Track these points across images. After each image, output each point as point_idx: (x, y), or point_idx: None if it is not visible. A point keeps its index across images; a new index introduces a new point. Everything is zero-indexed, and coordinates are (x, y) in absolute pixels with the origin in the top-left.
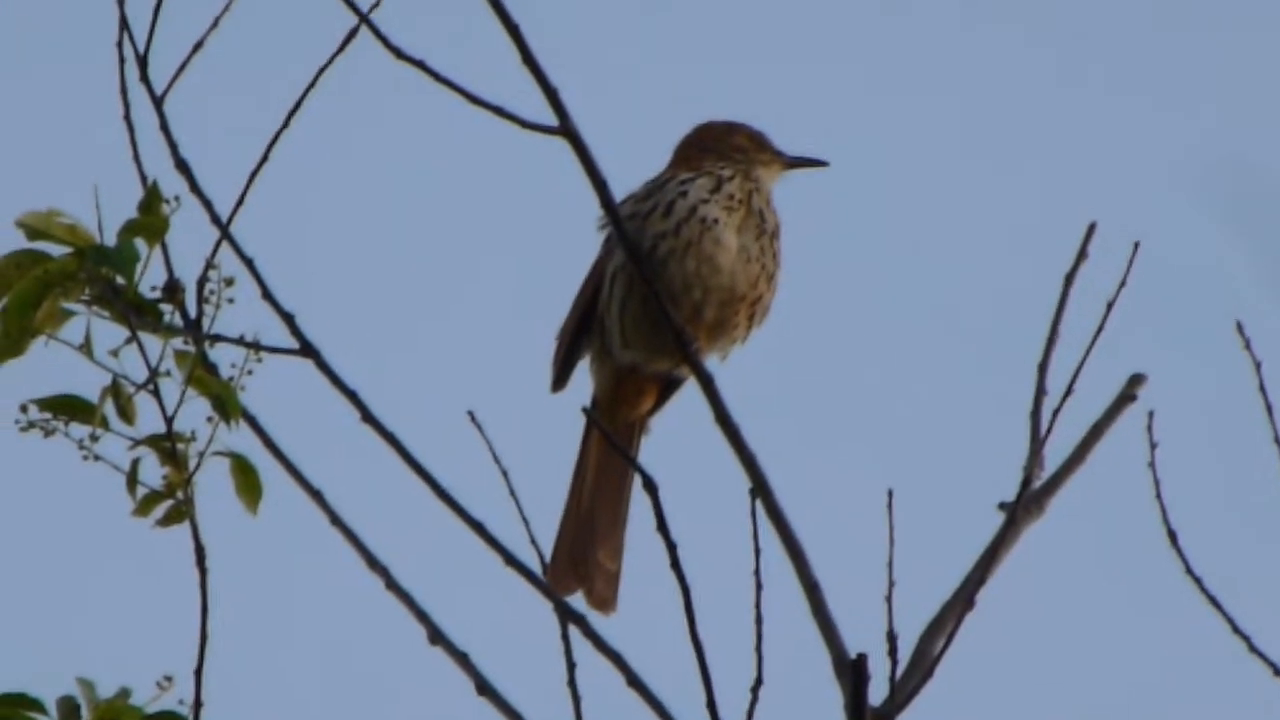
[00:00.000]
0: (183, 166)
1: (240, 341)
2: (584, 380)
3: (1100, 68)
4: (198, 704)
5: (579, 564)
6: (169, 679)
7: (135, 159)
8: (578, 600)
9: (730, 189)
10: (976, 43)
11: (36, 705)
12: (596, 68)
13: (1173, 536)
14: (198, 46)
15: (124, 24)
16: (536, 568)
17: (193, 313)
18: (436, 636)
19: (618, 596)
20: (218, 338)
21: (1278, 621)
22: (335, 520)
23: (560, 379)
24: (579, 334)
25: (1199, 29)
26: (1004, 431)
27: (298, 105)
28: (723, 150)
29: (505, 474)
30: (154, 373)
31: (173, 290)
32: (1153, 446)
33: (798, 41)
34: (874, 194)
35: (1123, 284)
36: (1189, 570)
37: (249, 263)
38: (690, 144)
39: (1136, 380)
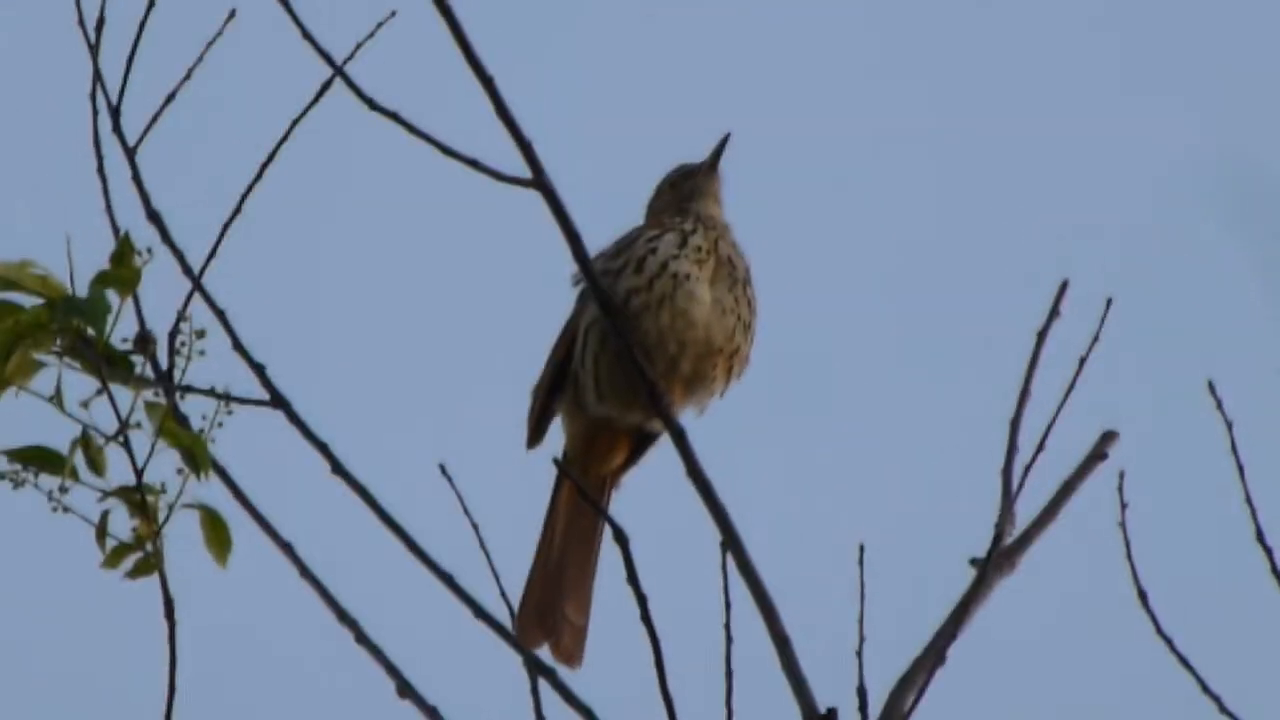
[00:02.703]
0: (155, 218)
1: (211, 393)
2: (559, 436)
3: (1100, 67)
4: None
5: (546, 617)
6: None
7: (108, 210)
8: (546, 654)
9: (696, 241)
10: (974, 41)
11: None
12: (571, 120)
13: (1143, 596)
14: (170, 98)
15: (97, 75)
16: (507, 621)
17: (164, 364)
18: (406, 689)
19: (584, 651)
20: (189, 389)
21: (1248, 682)
22: (305, 572)
23: (535, 435)
24: (553, 390)
25: (1199, 29)
26: (976, 487)
27: (271, 157)
28: (663, 213)
29: (476, 527)
30: (124, 424)
31: (144, 342)
32: (1123, 506)
33: (774, 85)
34: (849, 239)
35: (1095, 339)
36: (1159, 630)
37: (221, 314)
38: (650, 207)
39: (1108, 438)
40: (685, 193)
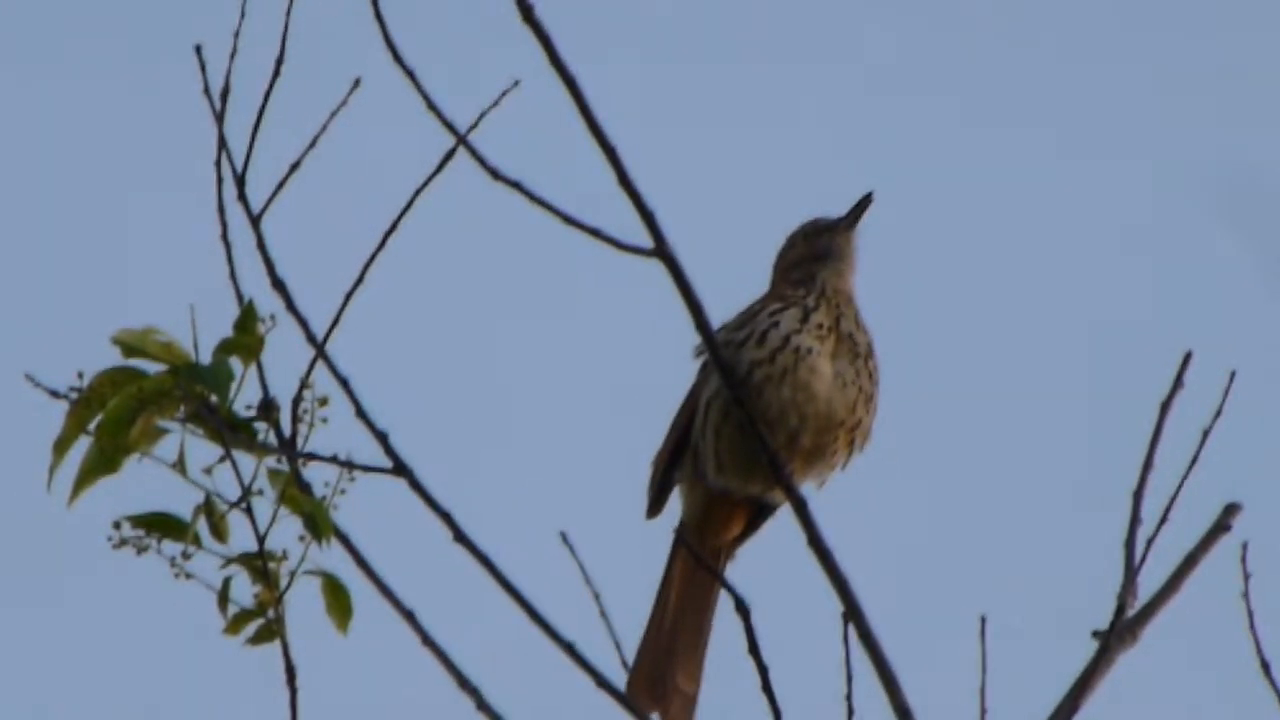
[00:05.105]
0: (279, 285)
1: (333, 460)
2: (679, 506)
3: (1101, 69)
4: None
5: (656, 684)
6: None
7: (232, 277)
8: None
9: (818, 318)
10: (973, 47)
11: None
12: (694, 189)
13: (1266, 668)
14: (295, 166)
15: (222, 143)
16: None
17: (286, 431)
18: None
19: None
20: (311, 456)
21: None
22: (426, 640)
23: (655, 505)
24: (674, 460)
25: (1199, 29)
26: (1098, 559)
27: (394, 225)
28: (792, 269)
29: (597, 597)
30: (247, 491)
31: (267, 409)
32: (1246, 578)
33: (893, 145)
34: (968, 310)
35: (1219, 413)
36: None
37: (344, 382)
38: (775, 269)
39: (1231, 510)
40: (820, 250)
